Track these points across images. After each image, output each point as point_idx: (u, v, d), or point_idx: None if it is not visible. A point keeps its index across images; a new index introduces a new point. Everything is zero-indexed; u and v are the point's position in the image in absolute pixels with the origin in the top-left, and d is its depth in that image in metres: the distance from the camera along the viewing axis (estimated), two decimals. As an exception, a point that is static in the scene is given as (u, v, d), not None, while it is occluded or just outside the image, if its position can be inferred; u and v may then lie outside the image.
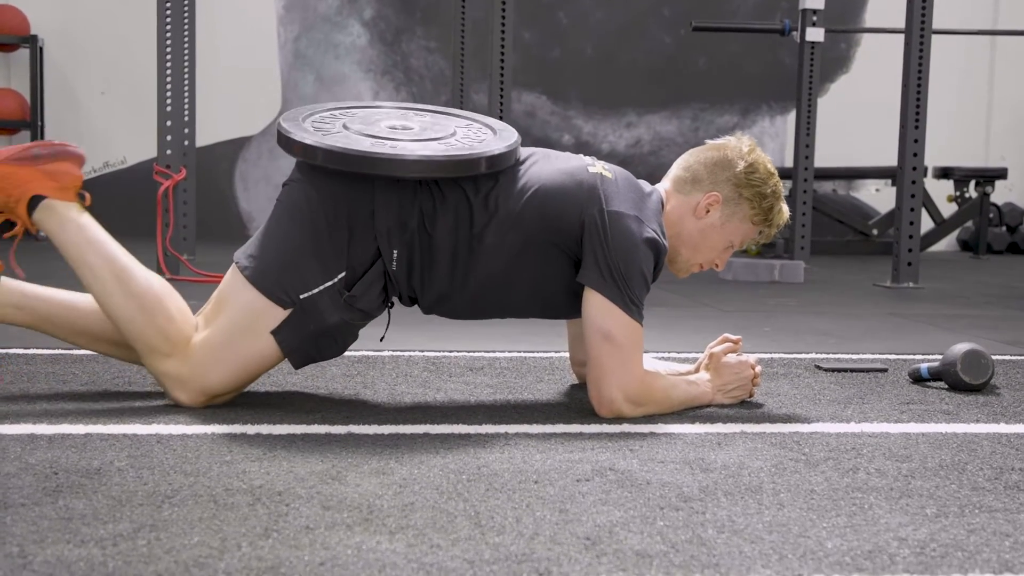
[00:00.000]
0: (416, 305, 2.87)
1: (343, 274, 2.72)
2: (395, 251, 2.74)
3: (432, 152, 2.74)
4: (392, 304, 2.91)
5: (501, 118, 6.31)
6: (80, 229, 2.76)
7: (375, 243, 2.74)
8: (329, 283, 2.71)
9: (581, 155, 2.95)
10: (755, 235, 2.98)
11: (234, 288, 2.74)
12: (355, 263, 2.73)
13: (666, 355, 3.59)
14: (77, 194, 2.80)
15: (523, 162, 2.87)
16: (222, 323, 2.72)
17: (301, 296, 2.70)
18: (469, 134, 2.88)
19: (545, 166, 2.85)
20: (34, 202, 2.75)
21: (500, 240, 2.76)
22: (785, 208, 2.98)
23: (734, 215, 2.93)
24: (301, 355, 2.77)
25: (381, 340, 3.03)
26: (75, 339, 2.88)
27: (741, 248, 3.03)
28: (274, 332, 2.71)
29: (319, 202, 2.73)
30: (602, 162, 2.90)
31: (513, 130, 2.93)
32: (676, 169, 2.99)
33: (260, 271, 2.71)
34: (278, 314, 2.70)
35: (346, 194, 2.74)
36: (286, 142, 2.76)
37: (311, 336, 2.73)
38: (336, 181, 2.75)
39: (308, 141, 2.72)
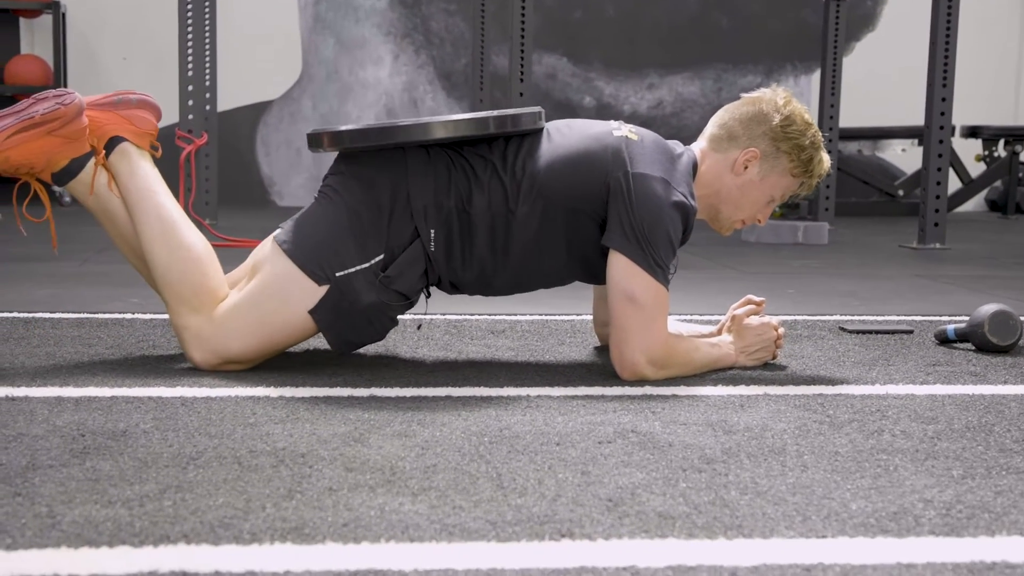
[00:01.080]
0: (458, 292, 2.88)
1: (381, 256, 2.73)
2: (432, 231, 2.74)
3: (447, 117, 2.76)
4: (430, 294, 2.92)
5: (522, 80, 6.29)
6: (146, 176, 2.84)
7: (412, 224, 2.74)
8: (366, 264, 2.72)
9: (608, 120, 2.94)
10: (796, 187, 2.96)
11: (270, 259, 2.75)
12: (393, 245, 2.74)
13: (688, 318, 3.58)
14: (151, 144, 2.91)
15: (548, 130, 2.87)
16: (253, 288, 2.74)
17: (337, 274, 2.70)
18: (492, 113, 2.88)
19: (569, 133, 2.85)
20: (112, 143, 2.85)
21: (531, 209, 2.76)
22: (826, 157, 2.95)
23: (773, 169, 2.91)
24: (336, 334, 2.76)
25: (419, 328, 3.03)
26: (120, 243, 2.93)
27: (784, 201, 3.02)
28: (312, 311, 2.71)
29: (356, 189, 2.76)
30: (630, 125, 2.88)
31: (538, 107, 2.92)
32: (711, 127, 2.97)
33: (297, 245, 2.72)
34: (310, 288, 2.70)
35: (380, 178, 2.76)
36: (315, 139, 2.81)
37: (346, 314, 2.72)
38: (370, 166, 2.78)
39: (332, 129, 2.78)
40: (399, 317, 2.89)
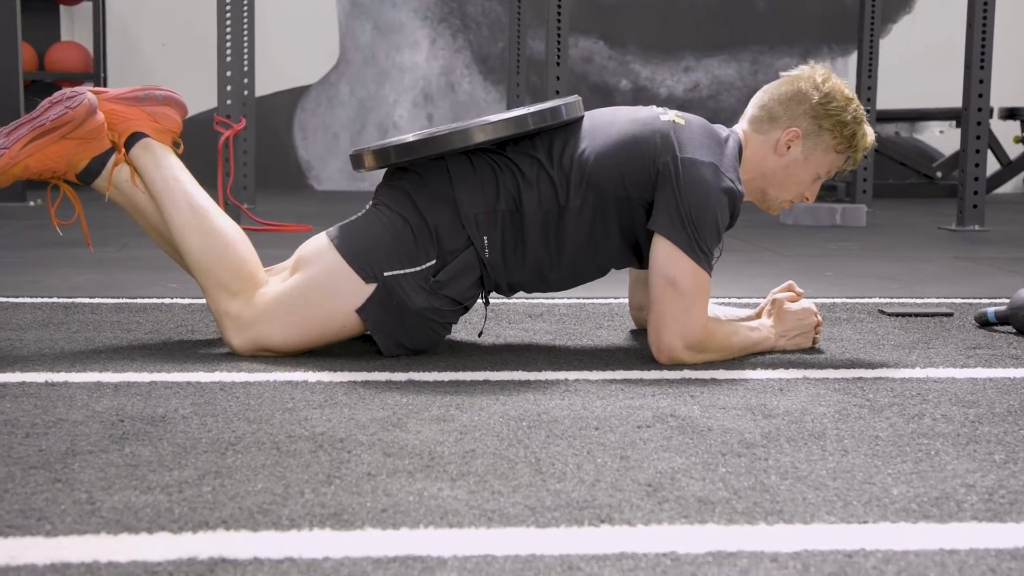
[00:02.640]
0: (516, 292, 2.88)
1: (432, 262, 2.72)
2: (485, 237, 2.74)
3: (486, 119, 2.76)
4: (488, 301, 2.92)
5: (559, 64, 6.27)
6: (170, 168, 2.85)
7: (464, 232, 2.73)
8: (416, 268, 2.71)
9: (652, 106, 2.93)
10: (842, 163, 2.95)
11: (319, 251, 2.75)
12: (445, 252, 2.73)
13: (727, 301, 3.57)
14: (173, 141, 2.92)
15: (591, 119, 2.86)
16: (298, 279, 2.74)
17: (385, 273, 2.69)
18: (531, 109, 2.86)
19: (614, 120, 2.84)
20: (133, 139, 2.86)
21: (582, 201, 2.75)
22: (869, 131, 2.93)
23: (816, 147, 2.90)
24: (387, 335, 2.75)
25: (480, 335, 3.02)
26: (151, 234, 2.94)
27: (830, 178, 3.00)
28: (360, 310, 2.71)
29: (403, 200, 2.76)
30: (675, 111, 2.87)
31: (576, 96, 2.90)
32: (752, 108, 2.95)
33: (347, 241, 2.72)
34: (357, 284, 2.70)
35: (426, 189, 2.76)
36: (357, 159, 2.81)
37: (395, 315, 2.72)
38: (414, 179, 2.78)
39: (375, 146, 2.77)
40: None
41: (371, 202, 2.82)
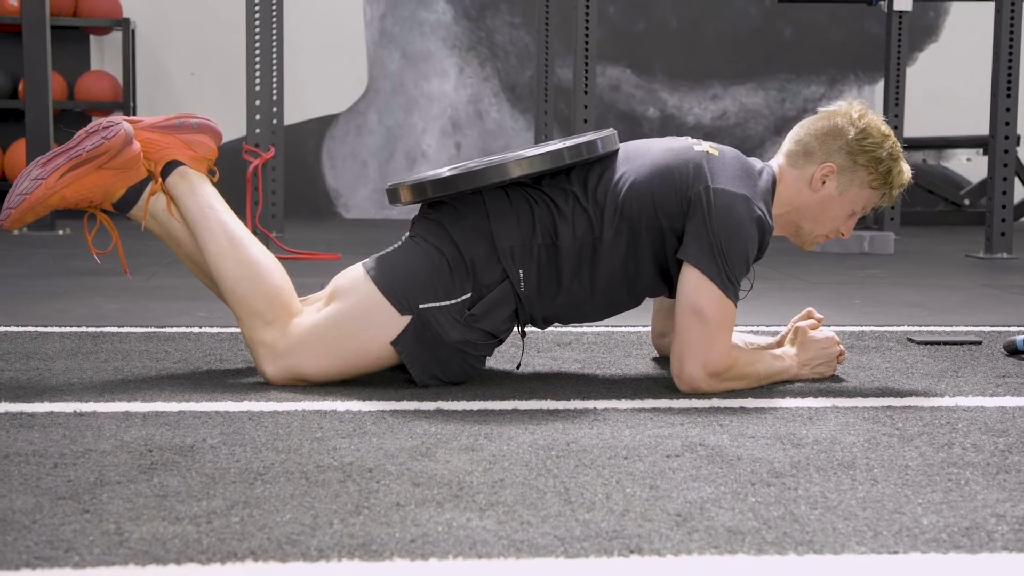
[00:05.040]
0: (551, 324, 2.88)
1: (468, 295, 2.72)
2: (521, 271, 2.74)
3: (521, 153, 2.77)
4: (524, 333, 2.92)
5: (586, 92, 6.29)
6: (207, 196, 2.86)
7: (500, 266, 2.74)
8: (451, 301, 2.71)
9: (686, 136, 2.93)
10: (878, 199, 2.94)
11: (354, 283, 2.75)
12: (481, 285, 2.74)
13: (755, 329, 3.56)
14: (208, 169, 2.93)
15: (625, 151, 2.86)
16: (333, 310, 2.74)
17: (420, 305, 2.70)
18: (567, 143, 2.86)
19: (647, 151, 2.84)
20: (169, 167, 2.86)
21: (616, 232, 2.75)
22: (906, 168, 2.92)
23: (852, 183, 2.89)
24: (422, 368, 2.75)
25: (517, 368, 3.02)
26: (186, 262, 2.95)
27: (865, 214, 2.99)
28: (395, 342, 2.71)
29: (440, 233, 2.76)
30: (709, 142, 2.88)
31: (611, 129, 2.91)
32: (788, 143, 2.95)
33: (383, 273, 2.73)
34: (393, 316, 2.70)
35: (462, 223, 2.76)
36: (393, 194, 2.82)
37: (431, 348, 2.72)
38: (452, 215, 2.78)
39: (411, 181, 2.78)
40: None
41: (407, 234, 2.83)
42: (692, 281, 2.70)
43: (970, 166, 10.22)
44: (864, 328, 3.79)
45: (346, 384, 2.78)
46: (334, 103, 9.67)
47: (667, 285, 2.85)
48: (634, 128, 9.82)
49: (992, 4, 6.86)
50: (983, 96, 7.23)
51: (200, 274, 2.93)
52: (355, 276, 2.76)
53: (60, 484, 1.95)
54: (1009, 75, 6.63)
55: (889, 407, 2.66)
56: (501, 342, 2.82)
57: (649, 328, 3.55)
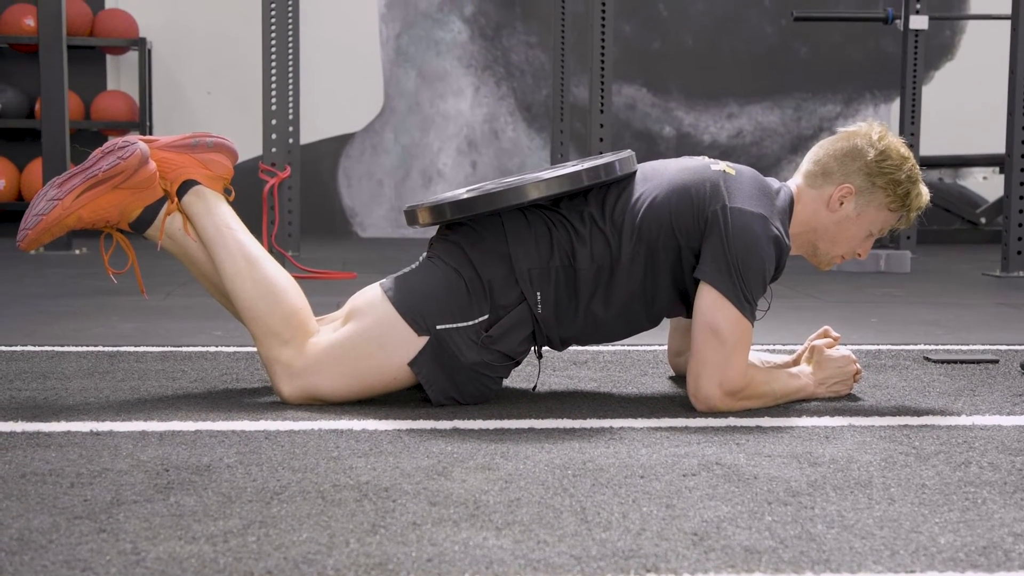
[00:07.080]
0: (569, 346, 2.88)
1: (485, 316, 2.73)
2: (539, 293, 2.74)
3: (540, 175, 2.77)
4: (541, 355, 2.92)
5: (602, 111, 6.30)
6: (223, 215, 2.86)
7: (517, 288, 2.74)
8: (469, 323, 2.72)
9: (703, 156, 2.93)
10: (895, 221, 2.94)
11: (372, 303, 2.75)
12: (498, 307, 2.74)
13: (771, 348, 3.56)
14: (224, 188, 2.93)
15: (642, 173, 2.86)
16: (351, 329, 2.74)
17: (438, 326, 2.70)
18: (585, 164, 2.86)
19: (664, 170, 2.85)
20: (185, 186, 2.87)
21: (634, 253, 2.75)
22: (924, 190, 2.92)
23: (869, 204, 2.89)
24: (439, 389, 2.75)
25: (533, 389, 3.02)
26: (202, 281, 2.95)
27: (882, 235, 2.99)
28: (412, 363, 2.71)
29: (458, 255, 2.76)
30: (726, 161, 2.88)
31: (629, 151, 2.92)
32: (807, 163, 2.95)
33: (401, 293, 2.73)
34: (410, 337, 2.70)
35: (480, 244, 2.76)
36: (412, 215, 2.82)
37: (448, 369, 2.72)
38: (470, 237, 2.78)
39: (430, 203, 2.78)
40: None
41: (425, 254, 2.83)
42: (709, 300, 2.69)
43: (986, 184, 10.22)
44: (881, 346, 3.79)
45: (362, 403, 2.78)
46: (350, 122, 9.69)
47: (685, 306, 2.85)
48: (650, 146, 9.82)
49: (1008, 22, 6.85)
50: (999, 114, 7.22)
51: (216, 293, 2.94)
52: (373, 296, 2.76)
53: (77, 503, 1.96)
54: (1025, 93, 6.62)
55: (906, 426, 2.65)
56: (518, 364, 2.82)
57: (665, 347, 3.55)
